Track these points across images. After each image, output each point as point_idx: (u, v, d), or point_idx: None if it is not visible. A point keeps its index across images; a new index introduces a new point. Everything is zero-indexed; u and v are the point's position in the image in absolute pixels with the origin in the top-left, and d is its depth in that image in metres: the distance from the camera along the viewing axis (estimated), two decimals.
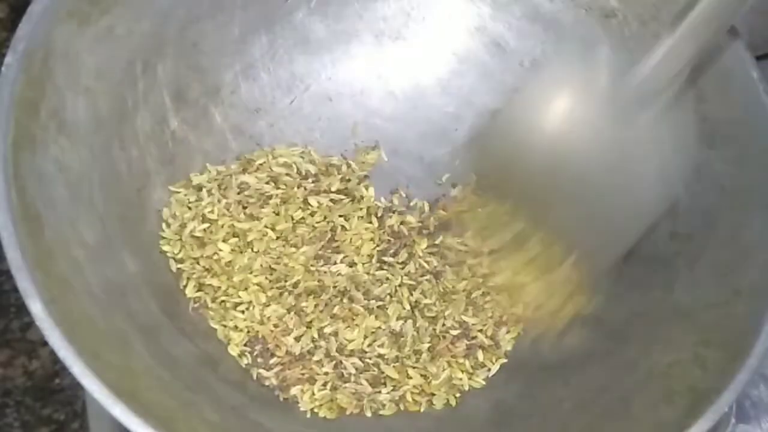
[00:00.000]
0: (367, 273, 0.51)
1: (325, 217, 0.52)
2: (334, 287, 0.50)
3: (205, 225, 0.50)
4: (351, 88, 0.57)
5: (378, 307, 0.50)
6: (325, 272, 0.50)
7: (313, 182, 0.53)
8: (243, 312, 0.49)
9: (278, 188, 0.52)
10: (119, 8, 0.46)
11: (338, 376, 0.48)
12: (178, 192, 0.51)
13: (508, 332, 0.51)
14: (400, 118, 0.57)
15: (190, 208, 0.50)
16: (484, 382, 0.50)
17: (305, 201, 0.52)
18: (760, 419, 0.52)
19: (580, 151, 0.39)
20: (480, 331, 0.51)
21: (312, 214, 0.52)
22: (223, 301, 0.49)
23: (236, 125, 0.54)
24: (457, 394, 0.49)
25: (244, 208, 0.51)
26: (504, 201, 0.45)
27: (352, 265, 0.51)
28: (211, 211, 0.51)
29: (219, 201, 0.51)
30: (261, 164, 0.53)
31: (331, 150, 0.56)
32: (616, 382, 0.46)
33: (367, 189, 0.54)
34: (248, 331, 0.48)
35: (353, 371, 0.48)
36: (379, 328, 0.50)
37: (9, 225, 0.38)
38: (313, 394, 0.47)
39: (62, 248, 0.41)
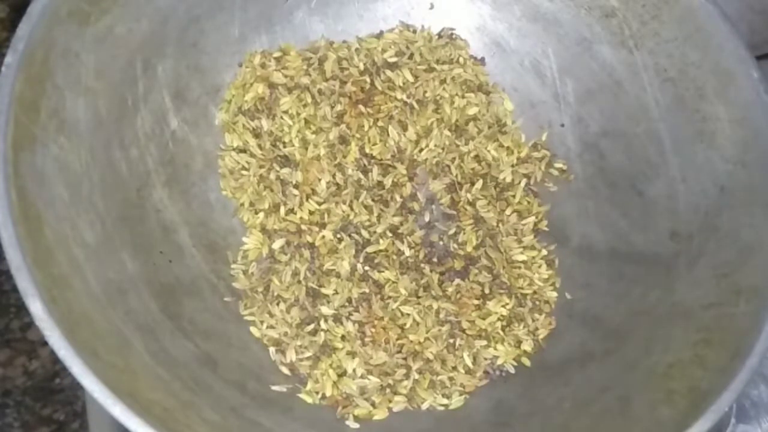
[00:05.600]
0: None
1: None
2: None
3: None
4: None
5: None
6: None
7: None
8: None
9: None
10: (119, 8, 0.46)
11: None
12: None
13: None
14: None
15: None
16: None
17: None
18: (760, 419, 0.52)
19: None
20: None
21: None
22: None
23: None
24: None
25: None
26: None
27: None
28: None
29: None
30: None
31: None
32: (616, 382, 0.46)
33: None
34: None
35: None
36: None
37: (9, 225, 0.38)
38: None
39: (62, 248, 0.41)
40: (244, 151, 0.53)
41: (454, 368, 0.50)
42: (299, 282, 0.51)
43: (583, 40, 0.55)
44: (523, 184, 0.56)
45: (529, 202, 0.55)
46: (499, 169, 0.56)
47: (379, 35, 0.57)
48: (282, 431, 0.45)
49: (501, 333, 0.51)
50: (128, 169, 0.48)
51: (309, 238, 0.52)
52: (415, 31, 0.57)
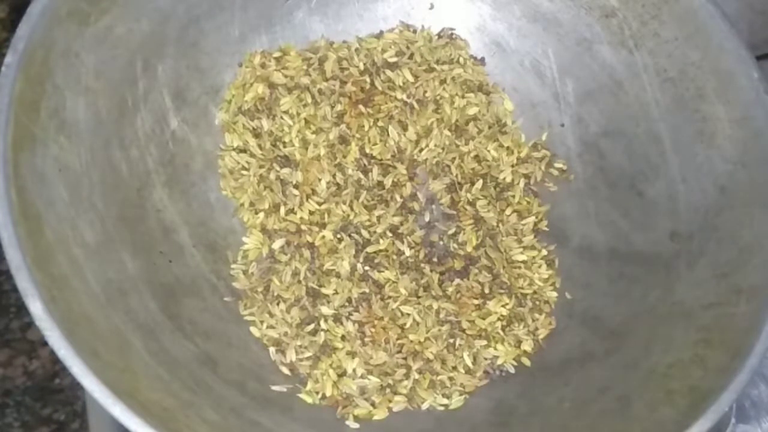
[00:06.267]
0: None
1: None
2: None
3: None
4: None
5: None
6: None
7: None
8: None
9: None
10: (119, 8, 0.46)
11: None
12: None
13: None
14: None
15: None
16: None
17: None
18: (760, 419, 0.52)
19: None
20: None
21: None
22: None
23: None
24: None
25: None
26: None
27: None
28: None
29: None
30: None
31: None
32: (616, 382, 0.46)
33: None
34: None
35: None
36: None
37: (9, 225, 0.38)
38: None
39: (62, 248, 0.41)
40: (244, 151, 0.53)
41: (454, 368, 0.50)
42: (299, 282, 0.51)
43: (583, 40, 0.55)
44: (522, 184, 0.56)
45: (529, 202, 0.55)
46: (499, 169, 0.56)
47: (379, 35, 0.57)
48: (282, 431, 0.46)
49: (501, 333, 0.51)
50: (128, 169, 0.48)
51: (309, 238, 0.52)
52: (415, 31, 0.58)
